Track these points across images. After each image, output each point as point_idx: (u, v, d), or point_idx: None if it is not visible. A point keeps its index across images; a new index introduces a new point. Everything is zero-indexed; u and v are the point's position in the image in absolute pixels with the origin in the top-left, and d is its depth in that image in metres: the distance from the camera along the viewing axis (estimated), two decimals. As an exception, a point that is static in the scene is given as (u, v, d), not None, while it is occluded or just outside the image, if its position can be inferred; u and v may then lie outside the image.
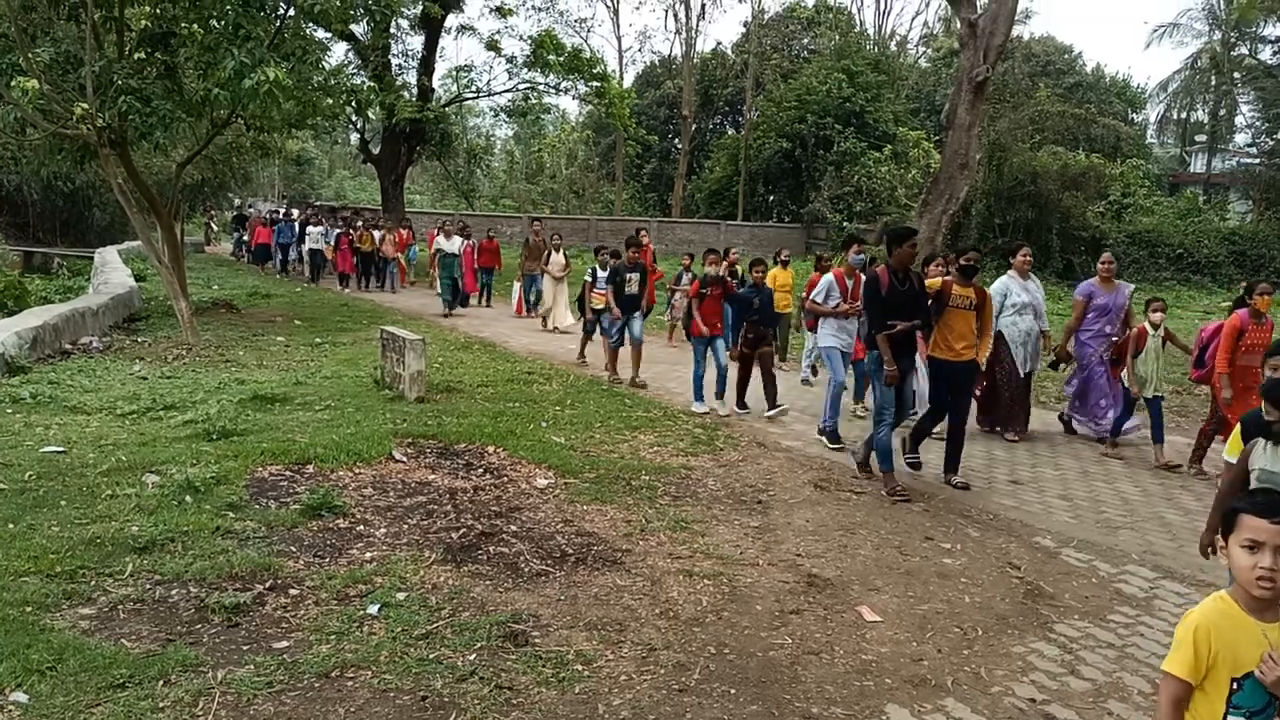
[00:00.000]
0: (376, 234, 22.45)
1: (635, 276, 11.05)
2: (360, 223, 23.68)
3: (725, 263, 10.31)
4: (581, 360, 12.44)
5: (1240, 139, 43.32)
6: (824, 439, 8.58)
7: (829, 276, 9.01)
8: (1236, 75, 39.72)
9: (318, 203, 42.48)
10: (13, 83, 11.07)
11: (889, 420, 7.07)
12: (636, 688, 3.99)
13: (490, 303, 20.04)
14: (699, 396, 9.74)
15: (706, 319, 9.70)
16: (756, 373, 9.79)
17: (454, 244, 17.95)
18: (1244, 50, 39.11)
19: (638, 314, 11.09)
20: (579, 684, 3.99)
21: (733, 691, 4.01)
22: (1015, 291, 9.15)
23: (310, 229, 24.06)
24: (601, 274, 12.08)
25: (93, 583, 4.71)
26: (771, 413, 9.51)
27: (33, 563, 4.83)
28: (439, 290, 18.56)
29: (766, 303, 9.93)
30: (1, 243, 29.73)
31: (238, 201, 43.91)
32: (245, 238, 30.25)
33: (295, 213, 31.33)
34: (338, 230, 23.60)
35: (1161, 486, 7.72)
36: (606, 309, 11.24)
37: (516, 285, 18.56)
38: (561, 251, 16.36)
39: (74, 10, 11.71)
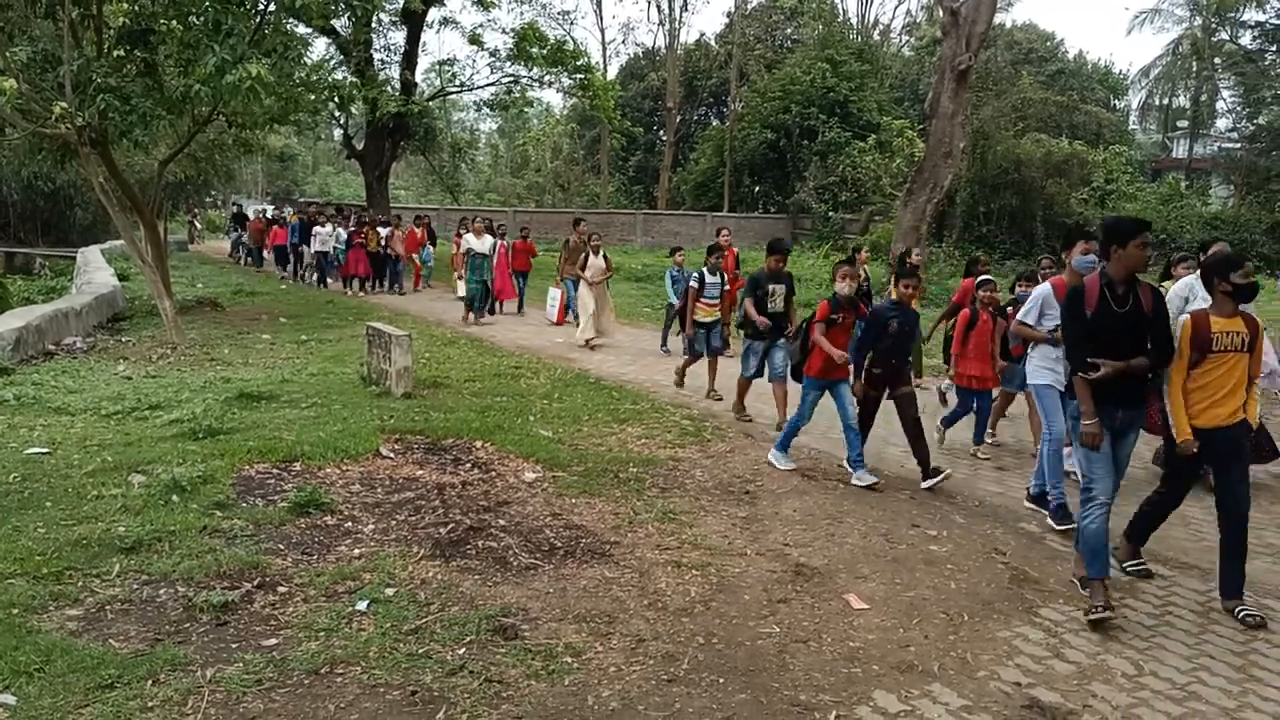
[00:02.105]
0: (384, 231, 20.75)
1: (780, 289, 8.80)
2: (366, 220, 21.84)
3: (851, 273, 7.36)
4: (680, 383, 10.47)
5: (1221, 124, 43.61)
6: (1049, 516, 6.33)
7: (1045, 288, 6.50)
8: (1217, 61, 39.95)
9: (322, 200, 41.45)
10: (-10, 83, 10.97)
11: (1100, 499, 4.88)
12: (626, 679, 4.01)
13: (522, 308, 17.93)
14: (785, 447, 7.55)
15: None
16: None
17: (485, 243, 16.02)
18: (1224, 35, 39.29)
19: (782, 341, 8.77)
20: (568, 676, 4.00)
21: (721, 681, 4.04)
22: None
23: (317, 229, 21.76)
24: (711, 279, 10.23)
25: (80, 583, 4.70)
26: (929, 483, 7.02)
27: (19, 564, 4.81)
28: (459, 293, 17.26)
29: (910, 327, 7.37)
30: (-18, 244, 29.52)
31: (236, 199, 43.50)
32: (244, 238, 28.92)
33: (288, 210, 31.07)
34: (350, 230, 21.29)
35: (1146, 472, 7.78)
36: (746, 325, 8.96)
37: (554, 290, 16.39)
38: (602, 254, 14.11)
39: (51, 8, 11.60)
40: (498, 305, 17.31)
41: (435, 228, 23.77)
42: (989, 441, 8.55)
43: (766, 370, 9.00)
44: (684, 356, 11.38)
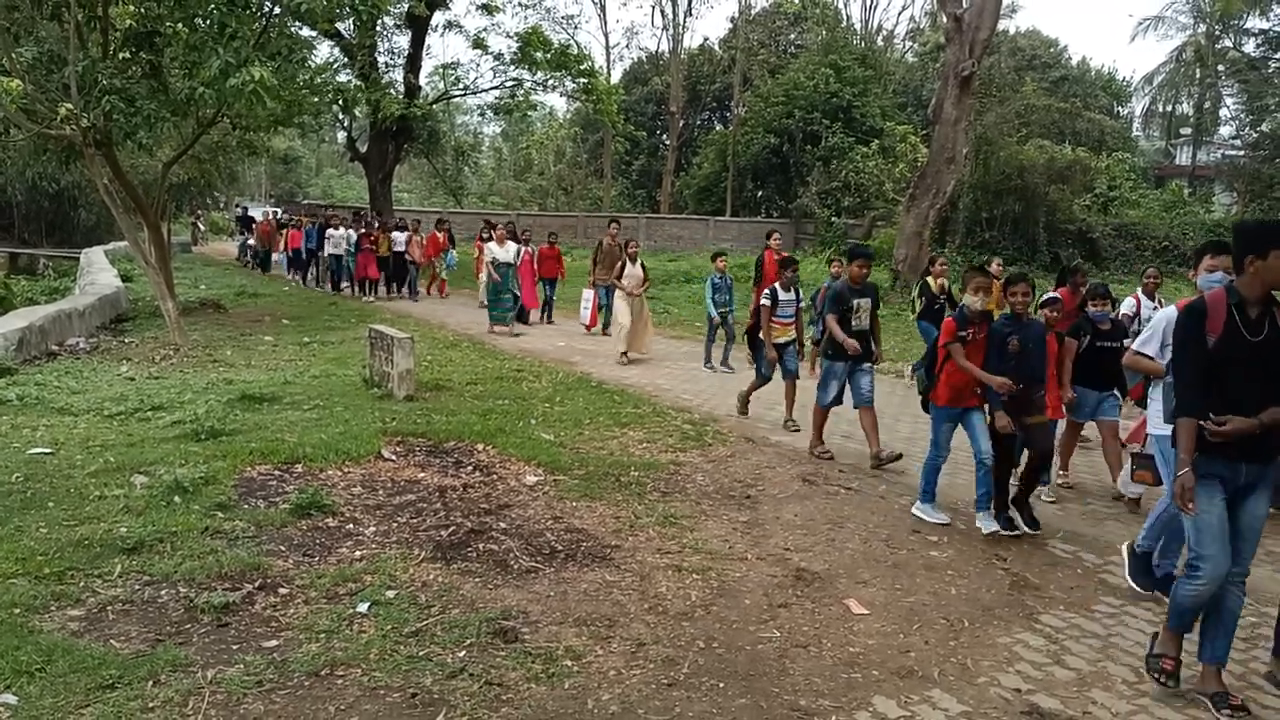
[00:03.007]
0: (400, 235, 19.97)
1: (866, 303, 7.85)
2: (376, 223, 21.17)
3: (983, 283, 6.28)
4: (743, 410, 9.54)
5: (1225, 131, 43.65)
6: (1128, 571, 5.36)
7: (1169, 311, 5.29)
8: (1221, 68, 39.95)
9: (326, 203, 41.02)
10: (-4, 83, 11.01)
11: (1206, 577, 3.96)
12: (626, 682, 4.02)
13: (552, 317, 17.11)
14: (930, 495, 6.49)
15: (961, 380, 6.24)
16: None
17: (509, 251, 15.05)
18: (1228, 43, 39.29)
19: (868, 365, 7.87)
20: (568, 680, 4.01)
21: (721, 685, 4.04)
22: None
23: (330, 232, 20.94)
24: (784, 295, 9.07)
25: (81, 584, 4.71)
26: (1017, 532, 6.17)
27: (21, 564, 4.82)
28: (483, 301, 16.65)
29: (1036, 346, 6.27)
30: (-14, 244, 29.58)
31: (247, 202, 43.30)
32: (251, 241, 28.29)
33: (278, 211, 30.91)
34: (360, 233, 20.55)
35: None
36: (828, 346, 7.90)
37: (588, 294, 15.54)
38: (639, 263, 13.13)
39: (57, 9, 11.65)
40: (528, 315, 16.34)
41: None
42: (1059, 482, 7.36)
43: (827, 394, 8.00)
44: (709, 366, 11.32)
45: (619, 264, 13.14)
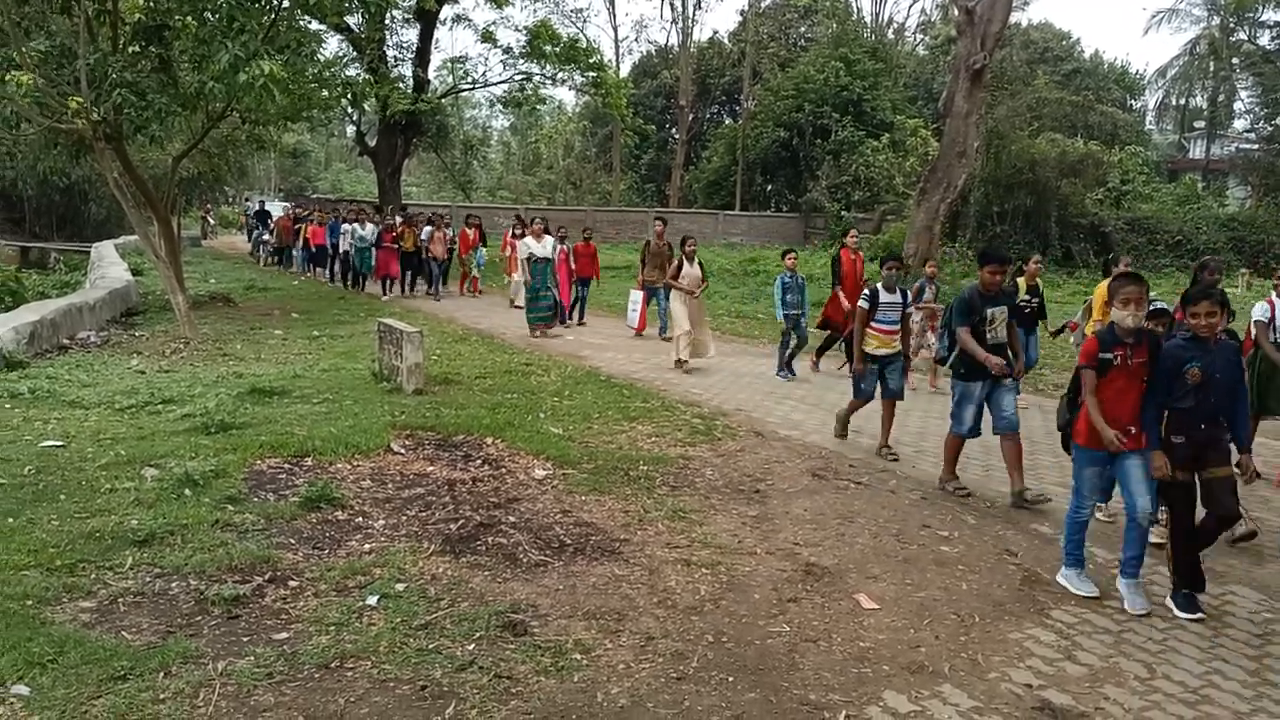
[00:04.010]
0: (428, 229, 19.12)
1: (1001, 313, 6.75)
2: (399, 218, 20.46)
3: (1136, 295, 5.03)
4: (842, 433, 8.43)
5: (1239, 124, 43.42)
6: None
7: None
8: (1235, 61, 39.73)
9: (335, 197, 40.68)
10: (7, 77, 11.04)
11: None
12: (635, 676, 4.01)
13: (584, 318, 16.11)
14: (1078, 558, 5.29)
15: (1117, 410, 5.04)
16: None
17: (546, 246, 14.17)
18: (1242, 36, 39.06)
19: (1010, 383, 6.82)
20: (578, 673, 4.00)
21: (731, 679, 4.03)
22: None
23: (345, 226, 20.34)
24: (887, 296, 7.93)
25: (93, 576, 4.72)
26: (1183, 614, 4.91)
27: (33, 556, 4.84)
28: (517, 300, 16.24)
29: (1225, 375, 5.05)
30: (-2, 238, 29.70)
31: (259, 197, 43.13)
32: (266, 236, 27.76)
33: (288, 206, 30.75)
34: (381, 228, 19.74)
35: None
36: (960, 363, 6.83)
37: (635, 295, 14.68)
38: (697, 261, 12.01)
39: (67, 4, 11.68)
40: (569, 315, 15.53)
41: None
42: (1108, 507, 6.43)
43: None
44: (783, 374, 10.64)
45: (675, 264, 12.03)
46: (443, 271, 19.44)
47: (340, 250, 20.79)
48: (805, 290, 11.47)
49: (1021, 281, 10.30)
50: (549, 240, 14.35)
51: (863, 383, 8.05)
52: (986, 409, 6.83)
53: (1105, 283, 8.73)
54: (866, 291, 8.01)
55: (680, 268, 11.78)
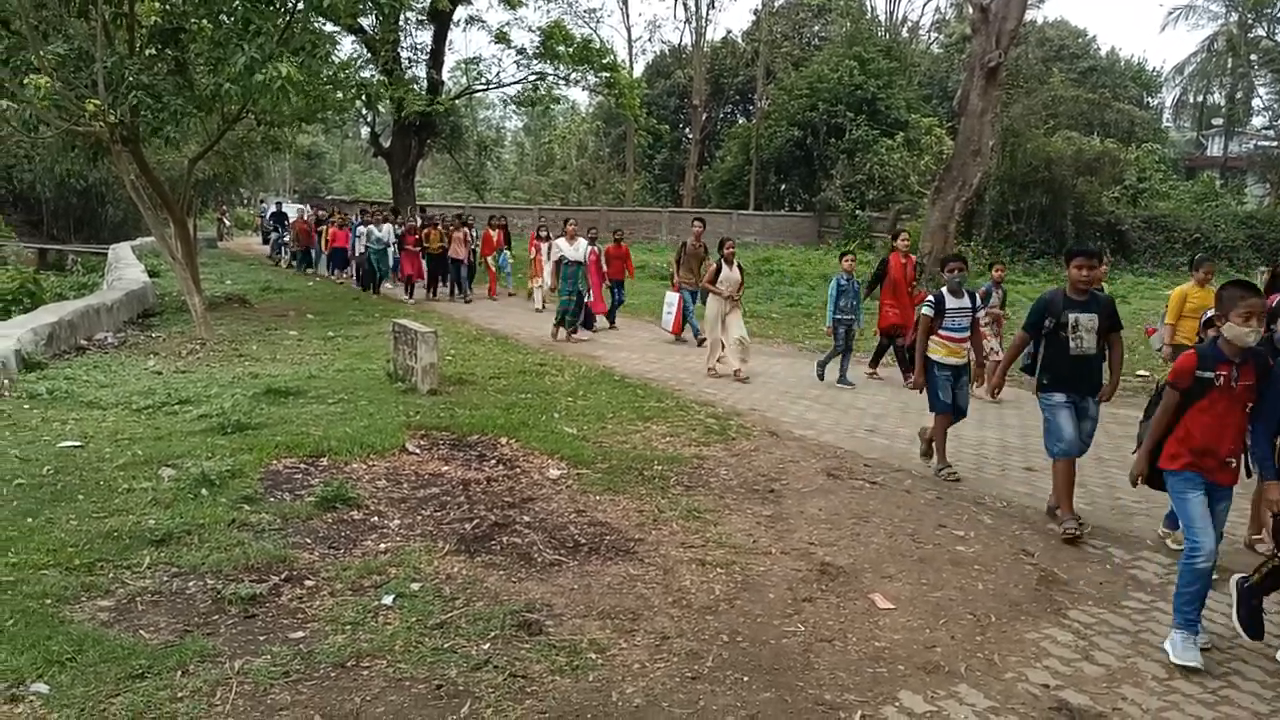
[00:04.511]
0: (464, 231, 18.67)
1: (1088, 320, 5.93)
2: (420, 220, 19.93)
3: (1255, 308, 4.37)
4: (929, 452, 7.56)
5: (1257, 122, 43.09)
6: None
7: None
8: (1253, 57, 39.41)
9: (349, 198, 40.51)
10: (25, 80, 11.12)
11: None
12: (650, 676, 4.01)
13: (615, 321, 15.56)
14: (1193, 620, 4.36)
15: (1203, 437, 4.48)
16: None
17: (579, 249, 13.78)
18: (1261, 32, 38.76)
19: (1093, 404, 6.13)
20: (592, 672, 4.01)
21: (746, 679, 4.03)
22: None
23: (361, 229, 19.88)
24: (954, 301, 7.26)
25: (111, 575, 4.76)
26: None
27: (52, 555, 4.88)
28: (535, 303, 16.18)
29: None
30: (16, 240, 29.95)
31: (274, 198, 43.17)
32: (285, 238, 27.28)
33: (304, 209, 30.73)
34: (403, 229, 19.42)
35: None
36: (1041, 373, 6.12)
37: (671, 298, 14.07)
38: (736, 265, 11.41)
39: (85, 7, 11.77)
40: (594, 320, 14.92)
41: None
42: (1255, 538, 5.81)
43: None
44: (844, 382, 10.25)
45: (714, 267, 11.42)
46: (467, 274, 19.03)
47: (357, 252, 20.44)
48: (860, 295, 11.02)
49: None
50: (581, 243, 13.94)
51: (940, 393, 7.24)
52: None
53: (1187, 286, 8.40)
54: (931, 297, 7.34)
55: (719, 271, 11.25)
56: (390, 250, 19.60)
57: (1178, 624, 4.35)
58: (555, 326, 13.83)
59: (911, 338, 7.70)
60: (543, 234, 17.05)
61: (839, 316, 10.79)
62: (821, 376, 11.07)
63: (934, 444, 7.40)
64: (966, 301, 7.28)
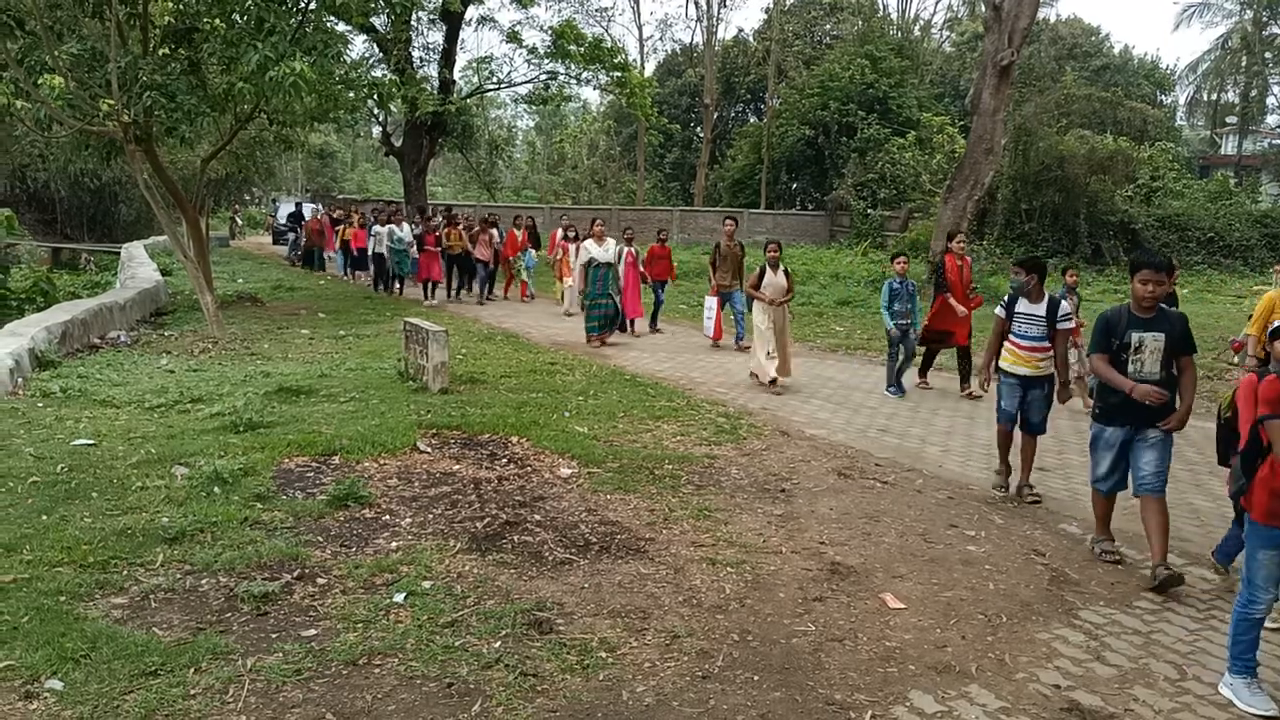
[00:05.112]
0: (495, 232, 18.25)
1: (1153, 340, 5.24)
2: (440, 219, 19.30)
3: None
4: (1004, 475, 6.99)
5: (1272, 120, 42.89)
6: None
7: None
8: (1268, 55, 39.22)
9: (361, 197, 40.27)
10: (40, 80, 11.19)
11: None
12: (660, 674, 4.01)
13: (657, 324, 15.21)
14: (1248, 665, 4.10)
15: None
16: None
17: (608, 250, 13.27)
18: (1276, 30, 38.52)
19: (1155, 434, 5.32)
20: (603, 671, 4.01)
21: (756, 678, 4.03)
22: None
23: (375, 229, 19.41)
24: (1027, 306, 6.71)
25: (124, 573, 4.78)
26: None
27: (66, 553, 4.91)
28: (565, 305, 15.98)
29: None
30: (30, 239, 30.12)
31: (289, 197, 43.14)
32: (302, 239, 26.89)
33: (317, 207, 30.76)
34: (421, 229, 18.82)
35: (1190, 473, 7.65)
36: (1094, 404, 5.69)
37: (710, 302, 13.53)
38: (782, 269, 10.75)
39: (99, 7, 11.82)
40: (629, 324, 14.41)
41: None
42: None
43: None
44: (893, 390, 10.01)
45: (758, 272, 10.73)
46: (489, 275, 18.70)
47: (372, 252, 19.86)
48: (916, 297, 10.53)
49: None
50: (611, 243, 13.46)
51: (1002, 400, 6.81)
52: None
53: (1275, 292, 7.65)
54: (1004, 298, 6.98)
55: (762, 276, 10.63)
56: (410, 251, 18.93)
57: (1237, 670, 4.09)
58: (589, 333, 13.33)
59: (993, 342, 7.00)
60: (570, 234, 16.72)
61: (897, 321, 10.28)
62: (901, 390, 10.45)
63: (1012, 469, 6.95)
64: (1041, 309, 6.66)
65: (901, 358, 10.46)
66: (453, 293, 18.96)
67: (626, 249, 14.01)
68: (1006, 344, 6.80)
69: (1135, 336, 5.25)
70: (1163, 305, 5.38)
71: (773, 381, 10.33)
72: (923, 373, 11.05)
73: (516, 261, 19.01)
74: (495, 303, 18.60)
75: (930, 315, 10.61)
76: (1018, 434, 6.87)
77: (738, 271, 13.31)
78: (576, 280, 14.33)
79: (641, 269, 14.72)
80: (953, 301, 10.31)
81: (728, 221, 13.91)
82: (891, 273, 10.46)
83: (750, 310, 11.04)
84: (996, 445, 7.06)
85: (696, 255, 27.49)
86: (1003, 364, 6.83)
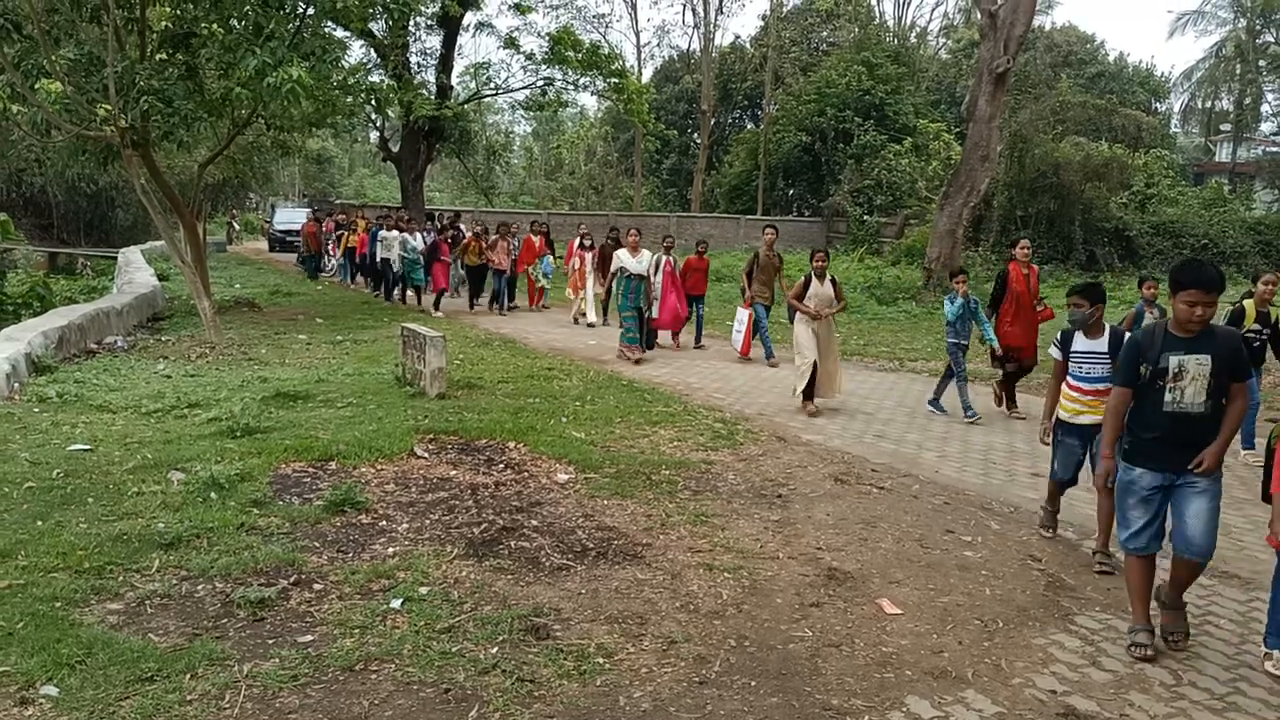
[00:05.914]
0: (509, 240, 17.64)
1: (1199, 364, 4.30)
2: (465, 228, 18.89)
3: None
4: (1049, 522, 6.15)
5: (1266, 128, 43.00)
6: None
7: None
8: (1262, 63, 39.37)
9: (358, 202, 39.97)
10: (37, 85, 11.19)
11: None
12: (657, 680, 4.01)
13: (701, 340, 14.42)
14: None
15: None
16: None
17: (640, 261, 12.62)
18: (1269, 38, 38.68)
19: (1202, 482, 4.37)
20: (600, 676, 4.01)
21: (753, 683, 4.03)
22: None
23: (382, 234, 18.96)
24: (1085, 342, 5.77)
25: (120, 578, 4.77)
26: None
27: (61, 559, 4.90)
28: (590, 316, 15.55)
29: None
30: (26, 244, 30.09)
31: (286, 202, 42.99)
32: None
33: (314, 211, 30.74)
34: (436, 238, 18.43)
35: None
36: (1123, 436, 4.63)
37: (742, 314, 12.90)
38: (829, 279, 9.97)
39: (96, 12, 11.83)
40: (655, 337, 13.61)
41: (463, 229, 19.86)
42: None
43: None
44: (934, 407, 9.53)
45: (801, 281, 10.01)
46: (508, 284, 17.96)
47: (378, 259, 19.33)
48: (979, 313, 9.52)
49: (1249, 305, 8.07)
50: (645, 254, 12.77)
51: (1056, 462, 5.92)
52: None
53: None
54: (1057, 336, 5.91)
55: (807, 285, 9.84)
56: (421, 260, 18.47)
57: None
58: (622, 347, 12.72)
59: (1055, 382, 5.96)
60: (586, 243, 16.22)
61: (960, 341, 9.54)
62: (968, 409, 9.53)
63: (1046, 505, 6.15)
64: (1103, 344, 5.62)
65: (959, 376, 9.65)
66: (475, 303, 18.38)
67: (665, 258, 13.26)
68: (1064, 387, 5.81)
69: (1174, 360, 4.29)
70: (1212, 324, 4.38)
71: (809, 397, 9.61)
72: (1008, 401, 9.96)
73: (535, 269, 18.38)
74: (519, 313, 17.96)
75: (1000, 333, 9.55)
76: (1085, 488, 5.96)
77: (771, 284, 12.82)
78: (598, 288, 13.66)
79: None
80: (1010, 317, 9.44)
81: (768, 230, 13.05)
82: (955, 289, 9.54)
83: (791, 322, 10.17)
84: (1048, 493, 6.20)
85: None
86: (1061, 414, 5.81)
